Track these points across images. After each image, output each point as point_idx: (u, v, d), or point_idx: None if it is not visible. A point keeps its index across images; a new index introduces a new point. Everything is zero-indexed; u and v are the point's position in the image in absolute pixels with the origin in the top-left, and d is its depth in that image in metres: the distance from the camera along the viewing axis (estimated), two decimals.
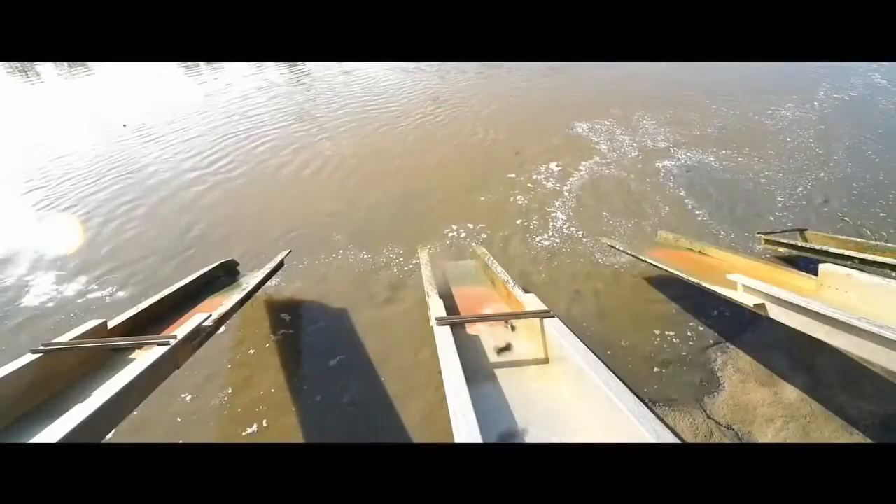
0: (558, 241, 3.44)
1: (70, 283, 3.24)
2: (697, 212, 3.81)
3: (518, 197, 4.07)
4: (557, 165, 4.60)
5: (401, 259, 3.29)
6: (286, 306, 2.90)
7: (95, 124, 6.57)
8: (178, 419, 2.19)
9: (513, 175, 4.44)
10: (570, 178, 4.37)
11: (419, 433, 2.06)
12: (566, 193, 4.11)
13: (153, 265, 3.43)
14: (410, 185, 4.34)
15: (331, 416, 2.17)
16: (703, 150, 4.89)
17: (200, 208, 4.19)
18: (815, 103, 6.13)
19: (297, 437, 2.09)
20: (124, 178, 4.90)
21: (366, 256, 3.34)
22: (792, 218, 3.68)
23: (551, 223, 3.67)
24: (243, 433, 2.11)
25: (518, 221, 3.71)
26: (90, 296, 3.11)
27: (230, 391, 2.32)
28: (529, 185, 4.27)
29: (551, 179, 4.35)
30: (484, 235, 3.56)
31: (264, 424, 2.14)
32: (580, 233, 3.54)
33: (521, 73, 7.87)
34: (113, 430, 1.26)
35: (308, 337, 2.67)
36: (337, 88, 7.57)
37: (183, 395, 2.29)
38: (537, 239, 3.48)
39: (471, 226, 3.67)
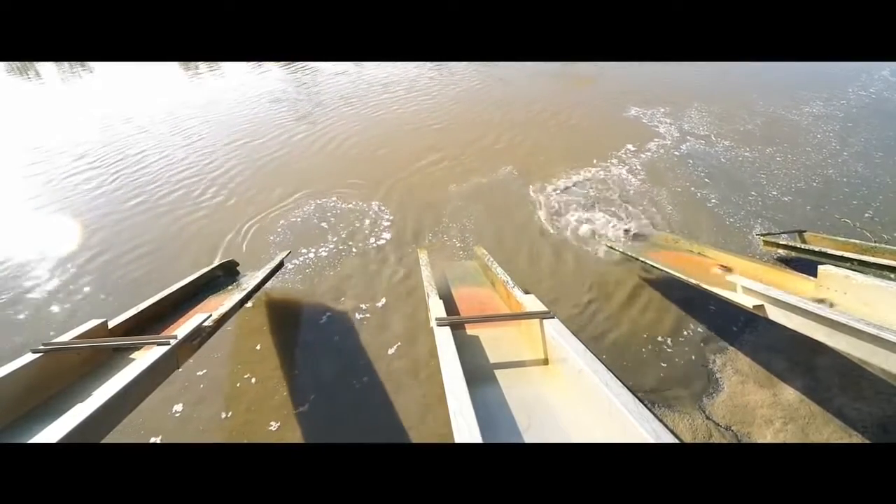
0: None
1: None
2: (709, 203, 3.90)
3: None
4: (634, 146, 4.90)
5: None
6: None
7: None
8: (174, 421, 2.19)
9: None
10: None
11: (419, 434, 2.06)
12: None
13: None
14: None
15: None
16: (747, 144, 4.99)
17: None
18: (843, 101, 6.10)
19: (297, 437, 2.09)
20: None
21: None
22: (802, 216, 3.69)
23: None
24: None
25: None
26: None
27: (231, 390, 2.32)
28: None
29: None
30: None
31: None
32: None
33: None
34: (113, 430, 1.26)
35: None
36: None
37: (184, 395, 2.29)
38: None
39: None
